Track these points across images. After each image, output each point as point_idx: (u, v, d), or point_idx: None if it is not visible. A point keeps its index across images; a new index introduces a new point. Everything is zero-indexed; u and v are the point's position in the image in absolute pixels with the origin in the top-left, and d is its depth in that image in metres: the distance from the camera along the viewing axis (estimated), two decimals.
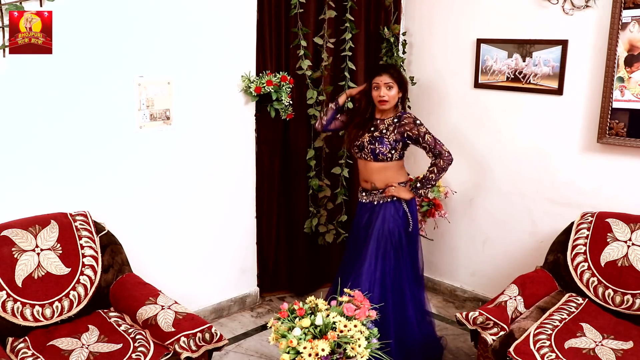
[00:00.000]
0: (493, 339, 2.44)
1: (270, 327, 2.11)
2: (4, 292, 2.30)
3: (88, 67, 2.66)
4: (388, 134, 2.85)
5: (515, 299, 2.64)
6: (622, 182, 3.01)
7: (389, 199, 2.89)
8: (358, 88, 3.08)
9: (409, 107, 3.78)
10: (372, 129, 2.90)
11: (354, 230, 3.07)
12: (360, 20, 3.60)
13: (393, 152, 2.86)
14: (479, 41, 3.46)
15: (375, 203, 2.93)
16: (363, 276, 2.77)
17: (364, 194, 2.99)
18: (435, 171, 2.87)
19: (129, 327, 2.41)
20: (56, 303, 2.41)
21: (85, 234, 2.56)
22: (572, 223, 2.91)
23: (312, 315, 2.06)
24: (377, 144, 2.84)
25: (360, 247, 2.91)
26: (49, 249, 2.45)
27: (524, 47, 3.27)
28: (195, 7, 3.01)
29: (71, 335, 2.35)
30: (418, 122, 2.87)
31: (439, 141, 2.87)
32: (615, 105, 2.93)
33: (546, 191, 3.29)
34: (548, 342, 2.35)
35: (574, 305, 2.66)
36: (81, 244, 2.53)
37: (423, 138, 2.85)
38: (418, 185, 2.92)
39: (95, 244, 2.58)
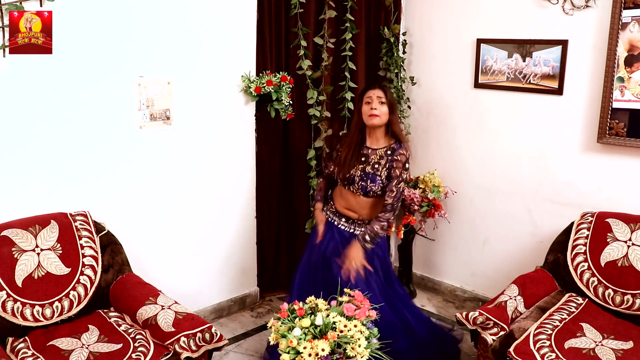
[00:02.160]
0: (493, 339, 2.44)
1: (270, 327, 2.11)
2: (4, 292, 2.30)
3: (88, 67, 2.66)
4: (380, 169, 2.75)
5: (515, 299, 2.64)
6: (622, 182, 3.01)
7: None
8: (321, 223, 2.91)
9: (409, 127, 3.79)
10: (362, 159, 2.79)
11: (321, 249, 2.85)
12: (360, 20, 3.60)
13: (383, 188, 2.76)
14: (479, 41, 3.45)
15: (351, 232, 2.83)
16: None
17: (342, 219, 2.86)
18: (385, 226, 2.74)
19: (129, 327, 2.41)
20: (56, 303, 2.41)
21: (85, 234, 2.56)
22: (572, 223, 2.91)
23: (312, 315, 2.06)
24: (368, 182, 2.73)
25: (335, 275, 2.73)
26: (49, 249, 2.45)
27: (524, 47, 3.27)
28: (195, 7, 3.01)
29: (71, 335, 2.35)
30: (407, 166, 2.77)
31: (401, 197, 2.79)
32: (615, 105, 2.93)
33: (546, 191, 3.29)
34: (548, 342, 2.35)
35: (574, 305, 2.66)
36: (81, 244, 2.53)
37: (397, 183, 2.72)
38: (367, 238, 2.71)
39: (95, 244, 2.58)
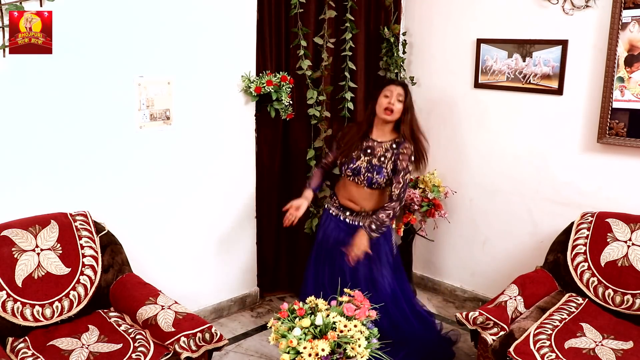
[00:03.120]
0: (493, 339, 2.44)
1: (270, 327, 2.11)
2: (4, 292, 2.30)
3: (88, 67, 2.66)
4: (386, 162, 2.78)
5: (515, 299, 2.64)
6: (622, 182, 3.01)
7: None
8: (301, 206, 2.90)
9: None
10: (368, 151, 2.81)
11: (328, 244, 2.90)
12: (360, 20, 3.60)
13: (388, 180, 2.81)
14: (479, 41, 3.45)
15: (357, 224, 2.86)
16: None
17: (347, 213, 2.89)
18: (391, 215, 2.76)
19: (129, 327, 2.41)
20: (56, 303, 2.41)
21: (85, 234, 2.56)
22: (572, 223, 2.91)
23: (312, 315, 2.06)
24: (374, 174, 2.77)
25: (340, 265, 2.79)
26: (49, 249, 2.45)
27: (524, 47, 3.27)
28: (196, 7, 3.01)
29: (71, 335, 2.34)
30: (412, 158, 2.80)
31: (407, 188, 2.82)
32: (615, 105, 2.93)
33: (546, 191, 3.29)
34: (548, 342, 2.35)
35: (574, 305, 2.66)
36: (81, 244, 2.53)
37: (403, 174, 2.76)
38: (373, 227, 2.74)
39: (95, 244, 2.58)
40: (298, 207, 2.87)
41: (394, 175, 2.80)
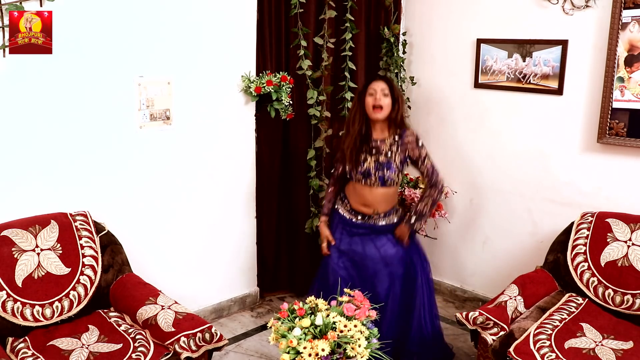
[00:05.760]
0: (493, 339, 2.44)
1: (270, 327, 2.11)
2: (4, 292, 2.30)
3: (88, 67, 2.66)
4: (392, 155, 2.76)
5: (515, 299, 2.64)
6: (622, 182, 3.01)
7: (383, 222, 2.84)
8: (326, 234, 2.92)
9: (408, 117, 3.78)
10: (373, 151, 2.79)
11: (350, 254, 2.87)
12: (360, 20, 3.60)
13: (399, 174, 2.79)
14: (479, 41, 3.46)
15: (372, 223, 2.85)
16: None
17: (359, 217, 2.86)
18: (430, 203, 2.78)
19: (129, 327, 2.41)
20: (56, 303, 2.41)
21: (85, 234, 2.56)
22: (572, 223, 2.91)
23: (312, 315, 2.06)
24: (385, 171, 2.75)
25: (370, 277, 2.81)
26: (49, 249, 2.45)
27: (524, 47, 3.27)
28: (195, 7, 3.01)
29: (71, 335, 2.34)
30: (420, 142, 2.78)
31: (436, 168, 2.79)
32: (615, 105, 2.93)
33: (546, 191, 3.29)
34: (548, 342, 2.35)
35: (574, 305, 2.66)
36: (81, 244, 2.53)
37: (423, 162, 2.77)
38: (413, 220, 2.79)
39: (95, 244, 2.58)
40: (334, 237, 2.90)
41: (414, 167, 2.81)
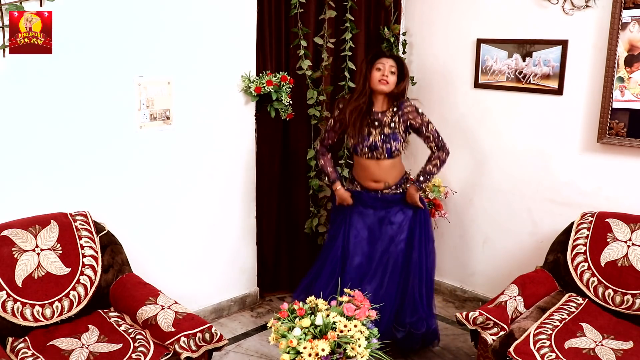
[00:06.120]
0: (493, 339, 2.44)
1: (270, 327, 2.11)
2: (4, 292, 2.30)
3: (88, 67, 2.66)
4: (396, 126, 2.86)
5: (515, 299, 2.64)
6: (622, 182, 3.01)
7: (398, 191, 2.93)
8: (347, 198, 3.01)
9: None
10: (376, 123, 2.88)
11: (367, 229, 2.98)
12: (360, 20, 3.60)
13: (403, 144, 2.90)
14: (479, 41, 3.45)
15: (388, 196, 2.94)
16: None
17: (371, 193, 2.96)
18: (438, 164, 2.92)
19: (129, 327, 2.41)
20: (56, 303, 2.41)
21: (85, 234, 2.56)
22: (572, 223, 2.91)
23: (312, 315, 2.06)
24: (392, 142, 2.85)
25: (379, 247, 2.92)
26: (49, 249, 2.45)
27: (524, 47, 3.27)
28: (195, 7, 3.01)
29: (71, 335, 2.35)
30: (420, 110, 2.89)
31: (439, 132, 2.92)
32: (615, 105, 2.93)
33: (546, 191, 3.29)
34: (548, 342, 2.35)
35: (574, 305, 2.66)
36: (81, 244, 2.53)
37: (427, 127, 2.88)
38: (421, 179, 2.95)
39: (95, 244, 2.58)
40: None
41: (418, 134, 2.93)
